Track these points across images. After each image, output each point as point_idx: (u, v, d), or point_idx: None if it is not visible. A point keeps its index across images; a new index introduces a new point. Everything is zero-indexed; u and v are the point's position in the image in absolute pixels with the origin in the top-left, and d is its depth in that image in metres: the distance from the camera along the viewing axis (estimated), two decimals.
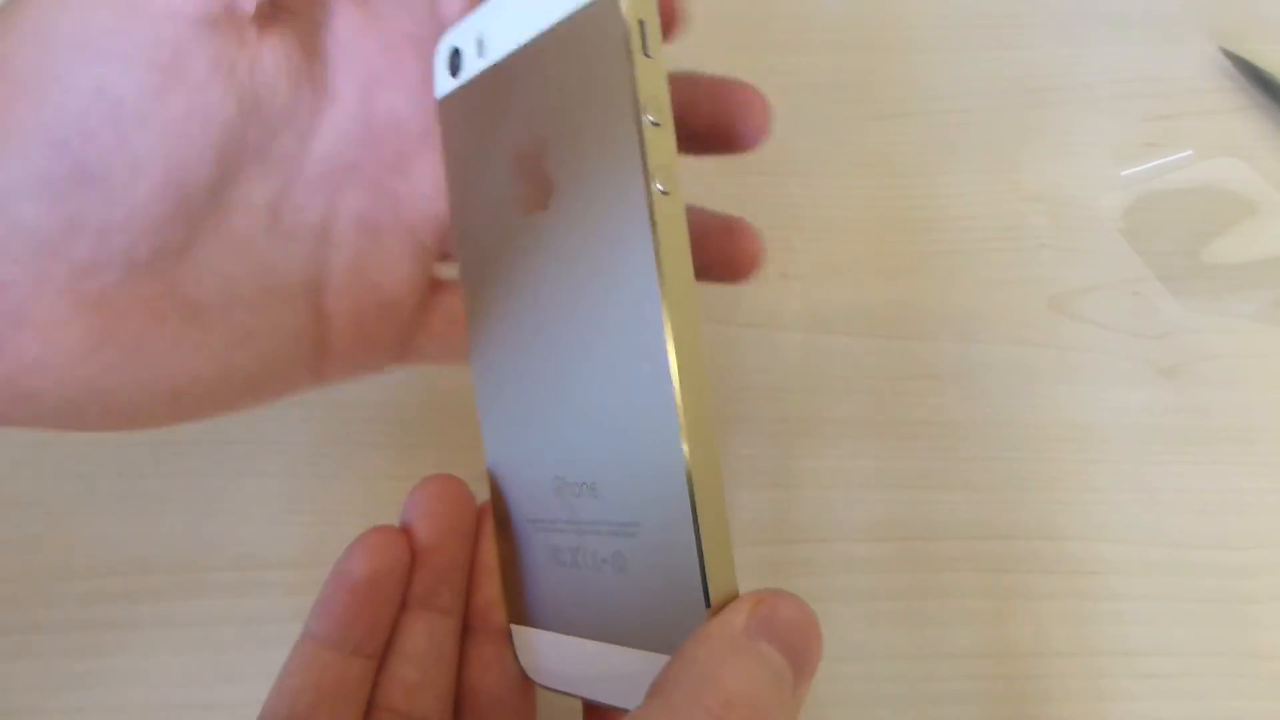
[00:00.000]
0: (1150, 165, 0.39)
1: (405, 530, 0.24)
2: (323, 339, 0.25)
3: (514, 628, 0.24)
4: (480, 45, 0.23)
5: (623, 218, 0.19)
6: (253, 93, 0.23)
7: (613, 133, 0.19)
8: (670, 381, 0.19)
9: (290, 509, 0.31)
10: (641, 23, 0.19)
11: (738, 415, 0.33)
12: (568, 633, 0.22)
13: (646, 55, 0.19)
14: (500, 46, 0.22)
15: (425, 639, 0.24)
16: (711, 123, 0.25)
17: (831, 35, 0.43)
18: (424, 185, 0.25)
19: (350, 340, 0.25)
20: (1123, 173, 0.39)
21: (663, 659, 0.19)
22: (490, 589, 0.24)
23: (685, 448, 0.19)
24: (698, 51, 0.41)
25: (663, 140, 0.19)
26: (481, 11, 0.23)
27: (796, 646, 0.18)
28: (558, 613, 0.23)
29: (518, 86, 0.22)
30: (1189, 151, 0.40)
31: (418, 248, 0.26)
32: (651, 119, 0.19)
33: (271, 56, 0.23)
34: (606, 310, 0.20)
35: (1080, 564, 0.31)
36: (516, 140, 0.22)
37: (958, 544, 0.31)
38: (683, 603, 0.19)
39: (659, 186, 0.19)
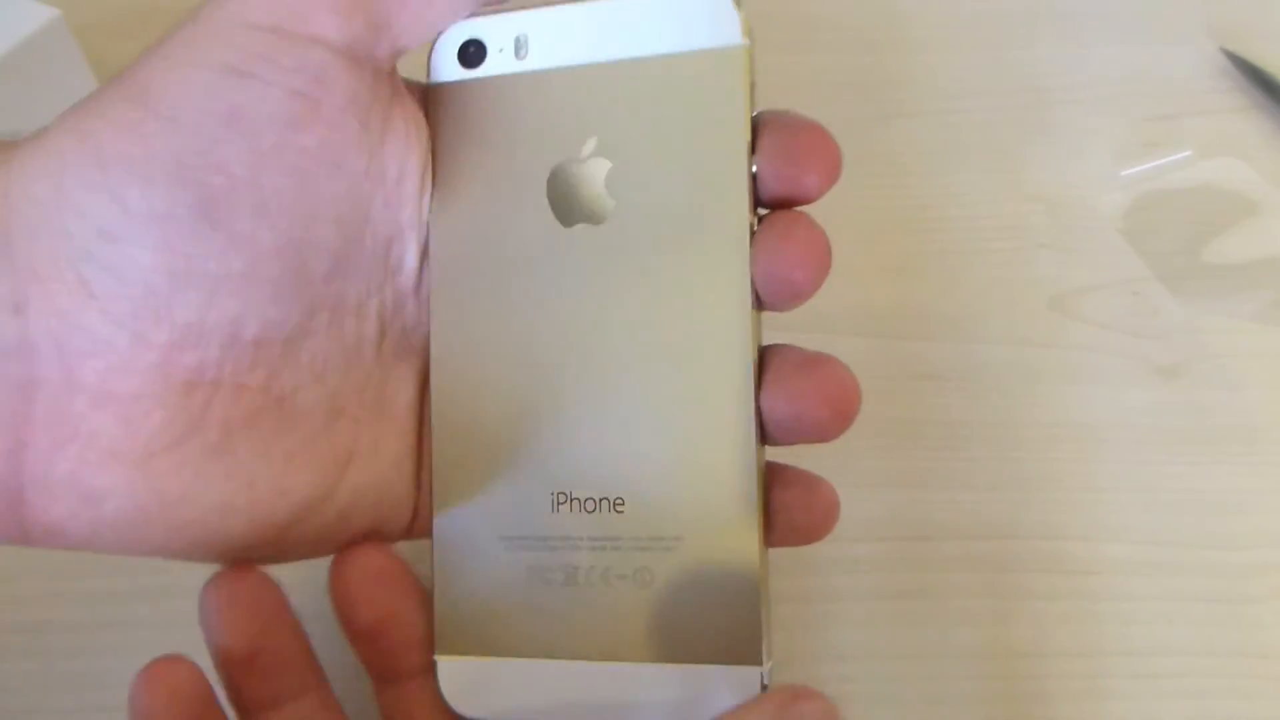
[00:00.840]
0: (1150, 165, 0.39)
1: (215, 646, 0.22)
2: (421, 477, 0.23)
3: (448, 660, 0.22)
4: (520, 47, 0.22)
5: (720, 248, 0.21)
6: (381, 156, 0.21)
7: (720, 173, 0.21)
8: (749, 399, 0.21)
9: None
10: (753, 84, 0.22)
11: None
12: (545, 656, 0.21)
13: (752, 112, 0.21)
14: (555, 56, 0.22)
15: None
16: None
17: (831, 35, 0.43)
18: None
19: None
20: (1123, 173, 0.39)
21: (699, 669, 0.20)
22: (404, 631, 0.22)
23: (758, 458, 0.21)
24: None
25: (754, 185, 0.21)
26: (530, 16, 0.23)
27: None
28: (533, 635, 0.22)
29: (576, 99, 0.22)
30: (1189, 151, 0.40)
31: None
32: (754, 169, 0.21)
33: (403, 125, 0.22)
34: (681, 327, 0.21)
35: (1081, 564, 0.31)
36: (561, 150, 0.22)
37: (958, 544, 0.31)
38: (736, 605, 0.21)
39: (754, 224, 0.21)
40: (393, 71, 0.22)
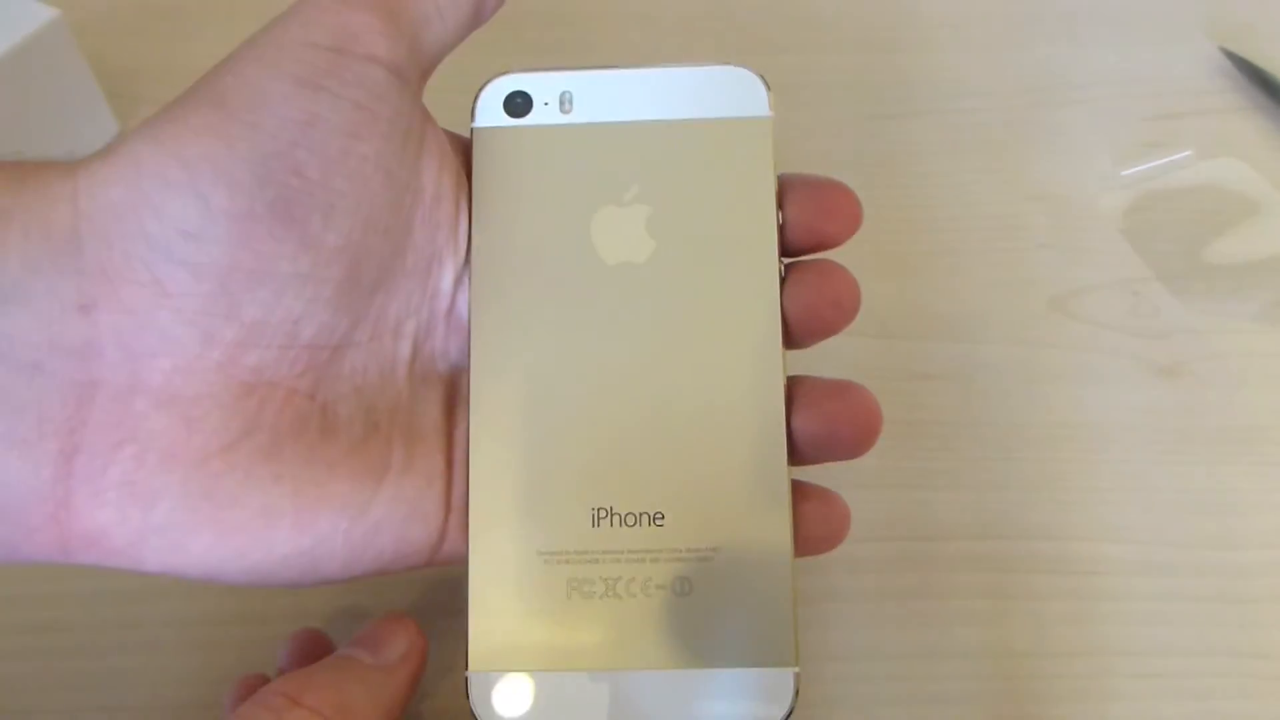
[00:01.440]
0: (1150, 165, 0.39)
1: None
2: (452, 499, 0.23)
3: (482, 676, 0.22)
4: (567, 102, 0.25)
5: (754, 286, 0.24)
6: (419, 172, 0.23)
7: (752, 223, 0.24)
8: (781, 419, 0.23)
9: None
10: (775, 146, 0.24)
11: None
12: (583, 666, 0.22)
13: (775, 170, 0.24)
14: (598, 113, 0.25)
15: None
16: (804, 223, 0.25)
17: (831, 35, 0.43)
18: None
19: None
20: (1123, 173, 0.39)
21: (735, 672, 0.22)
22: None
23: (789, 473, 0.23)
24: (699, 52, 0.41)
25: (780, 235, 0.24)
26: (575, 76, 0.25)
27: (376, 640, 0.23)
28: (572, 646, 0.22)
29: (618, 151, 0.24)
30: (1189, 151, 0.40)
31: None
32: (780, 220, 0.24)
33: (435, 146, 0.23)
34: (717, 355, 0.23)
35: (1081, 564, 0.31)
36: (604, 195, 0.24)
37: (958, 544, 0.31)
38: (770, 610, 0.22)
39: (782, 270, 0.24)
40: (421, 99, 0.24)
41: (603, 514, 0.23)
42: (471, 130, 0.25)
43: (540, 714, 0.22)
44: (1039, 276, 0.37)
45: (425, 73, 0.23)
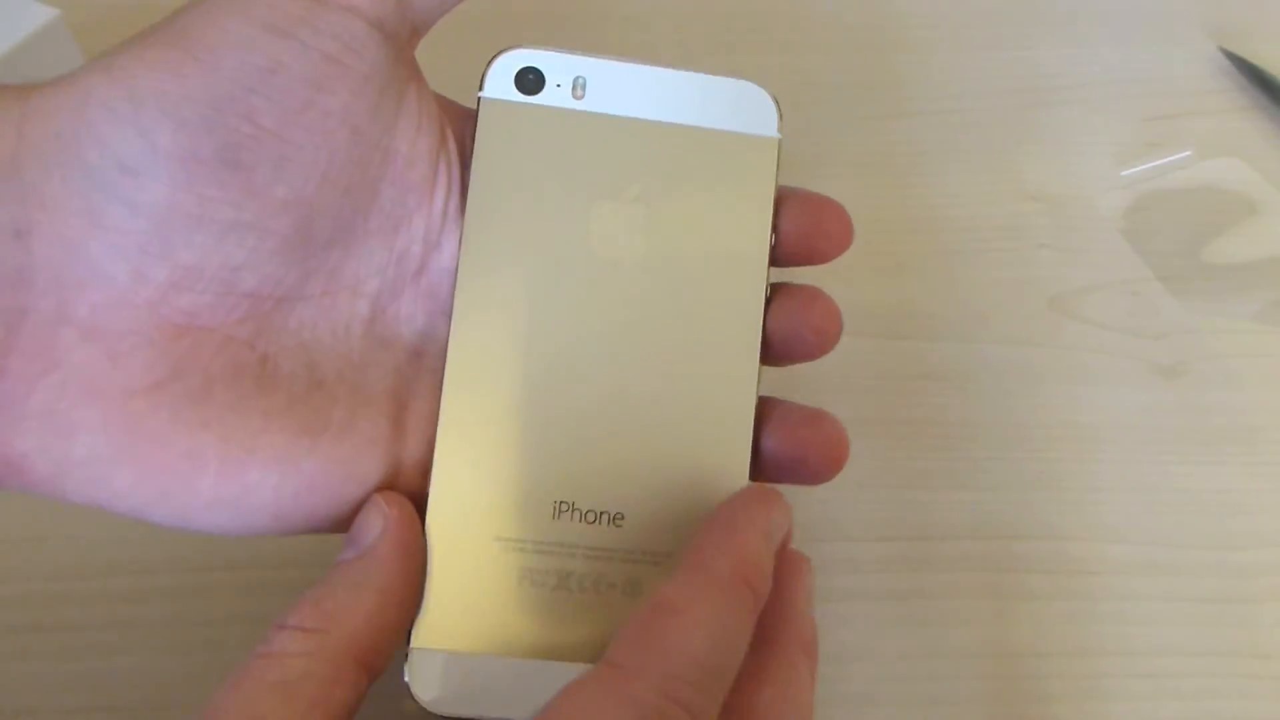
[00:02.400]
0: (1150, 165, 0.39)
1: None
2: (399, 465, 0.23)
3: (424, 651, 0.22)
4: (579, 88, 0.24)
5: (739, 301, 0.24)
6: (394, 131, 0.22)
7: (745, 239, 0.24)
8: (749, 435, 0.23)
9: None
10: (780, 168, 0.25)
11: None
12: (525, 654, 0.22)
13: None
14: (609, 104, 0.24)
15: None
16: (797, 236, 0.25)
17: (831, 35, 0.43)
18: None
19: (423, 474, 0.23)
20: (1123, 173, 0.39)
21: None
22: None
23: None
24: (699, 51, 0.41)
25: (771, 254, 0.24)
26: (591, 62, 0.24)
27: (351, 532, 0.22)
28: (516, 633, 0.22)
29: (625, 147, 0.24)
30: (1189, 151, 0.40)
31: None
32: (773, 240, 0.24)
33: (417, 102, 0.23)
34: (694, 365, 0.24)
35: (1080, 564, 0.31)
36: (605, 189, 0.24)
37: (958, 544, 0.31)
38: None
39: (768, 290, 0.24)
40: (411, 57, 0.23)
41: (564, 508, 0.23)
42: (478, 99, 0.24)
43: (475, 696, 0.22)
44: (1039, 276, 0.37)
45: (416, 30, 0.23)
